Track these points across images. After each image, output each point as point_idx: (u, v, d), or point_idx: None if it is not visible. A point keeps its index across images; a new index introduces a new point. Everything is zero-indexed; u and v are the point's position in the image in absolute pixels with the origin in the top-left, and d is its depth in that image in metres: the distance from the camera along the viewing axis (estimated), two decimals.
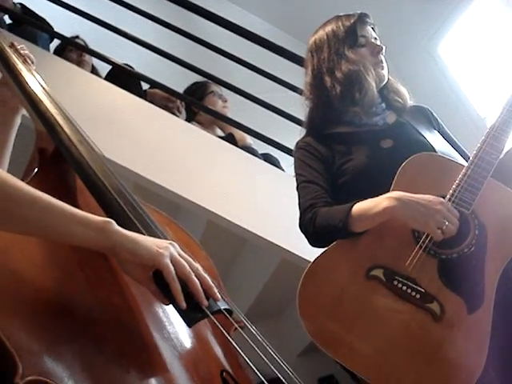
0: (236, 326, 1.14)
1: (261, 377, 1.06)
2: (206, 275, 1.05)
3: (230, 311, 1.12)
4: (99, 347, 0.96)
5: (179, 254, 1.03)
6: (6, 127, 1.42)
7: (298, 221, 1.70)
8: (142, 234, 1.10)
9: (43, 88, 1.39)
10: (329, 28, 1.82)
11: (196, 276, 1.02)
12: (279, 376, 1.07)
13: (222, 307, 1.09)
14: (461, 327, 1.43)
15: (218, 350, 1.19)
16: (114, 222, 0.99)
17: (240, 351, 1.06)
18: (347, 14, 1.82)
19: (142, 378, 0.98)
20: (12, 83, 1.41)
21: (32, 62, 1.50)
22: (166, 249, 1.01)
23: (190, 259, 1.04)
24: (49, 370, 0.86)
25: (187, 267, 1.01)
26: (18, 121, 1.44)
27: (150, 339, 1.05)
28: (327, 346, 1.46)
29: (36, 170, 1.25)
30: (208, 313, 1.05)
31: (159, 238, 1.12)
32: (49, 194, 1.10)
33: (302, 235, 1.70)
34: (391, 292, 1.46)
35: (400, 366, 1.43)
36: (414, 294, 1.45)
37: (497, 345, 1.41)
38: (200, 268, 1.05)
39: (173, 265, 1.00)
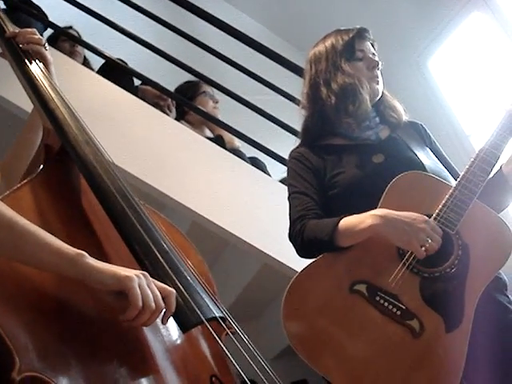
0: (228, 331, 1.16)
1: (247, 380, 1.09)
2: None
3: (223, 318, 1.14)
4: (94, 346, 0.99)
5: (147, 285, 1.03)
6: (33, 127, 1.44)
7: (282, 227, 1.72)
8: (143, 236, 1.12)
9: (52, 85, 1.40)
10: (328, 41, 1.85)
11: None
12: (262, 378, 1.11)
13: (217, 315, 1.12)
14: (438, 345, 1.46)
15: (208, 355, 1.21)
16: (86, 254, 1.00)
17: (230, 357, 1.09)
18: (347, 28, 1.85)
19: (133, 377, 1.01)
20: (21, 78, 1.42)
21: (44, 46, 1.49)
22: (136, 275, 1.01)
23: (157, 293, 1.04)
24: (45, 367, 0.89)
25: (151, 297, 1.01)
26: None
27: (144, 341, 1.07)
28: (308, 357, 1.49)
29: (41, 166, 1.25)
30: (203, 319, 1.07)
31: (158, 241, 1.15)
32: (52, 191, 1.12)
33: (286, 241, 1.72)
34: (373, 307, 1.49)
35: (378, 381, 1.46)
36: (394, 310, 1.48)
37: (473, 363, 1.44)
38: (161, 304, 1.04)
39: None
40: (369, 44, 1.85)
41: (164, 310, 1.04)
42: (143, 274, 1.03)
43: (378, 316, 1.48)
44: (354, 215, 1.56)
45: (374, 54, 1.84)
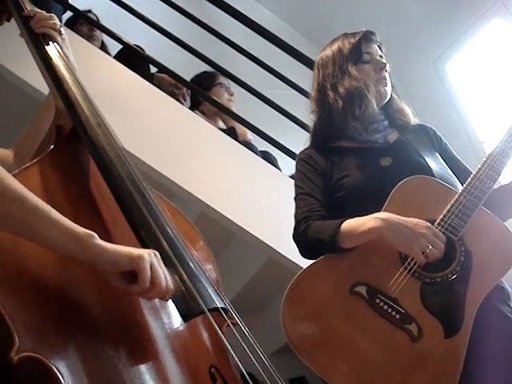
0: (229, 322, 1.17)
1: (245, 374, 1.10)
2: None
3: (225, 309, 1.15)
4: (94, 330, 0.99)
5: (159, 264, 1.04)
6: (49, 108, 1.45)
7: (289, 222, 1.73)
8: (149, 222, 1.13)
9: (68, 67, 1.41)
10: (335, 45, 1.86)
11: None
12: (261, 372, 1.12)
13: (220, 305, 1.13)
14: (436, 350, 1.46)
15: (209, 345, 1.23)
16: (95, 235, 1.00)
17: (230, 348, 1.10)
18: (354, 31, 1.85)
19: (132, 362, 1.01)
20: (37, 57, 1.43)
21: (59, 32, 1.50)
22: (148, 254, 1.03)
23: (167, 272, 1.06)
24: (43, 348, 0.89)
25: (162, 275, 1.03)
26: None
27: (145, 327, 1.08)
28: (306, 356, 1.50)
29: (51, 146, 1.26)
30: (205, 309, 1.08)
31: (164, 228, 1.16)
32: (61, 172, 1.12)
33: (291, 237, 1.72)
34: (372, 309, 1.50)
35: (375, 383, 1.46)
36: (394, 313, 1.48)
37: (473, 372, 1.44)
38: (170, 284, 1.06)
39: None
40: (376, 46, 1.85)
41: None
42: (154, 253, 1.05)
43: (376, 318, 1.48)
44: (357, 218, 1.57)
45: (381, 56, 1.84)
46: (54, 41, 1.47)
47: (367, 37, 1.83)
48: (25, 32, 1.51)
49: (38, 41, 1.46)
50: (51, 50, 1.44)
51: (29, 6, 1.56)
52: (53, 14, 1.50)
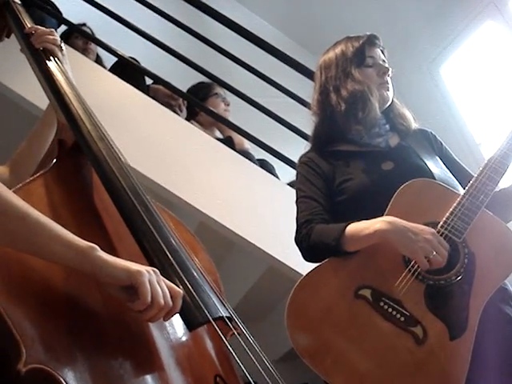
0: (234, 331, 1.17)
1: (252, 381, 1.09)
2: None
3: (230, 318, 1.15)
4: (100, 341, 0.99)
5: (157, 281, 1.03)
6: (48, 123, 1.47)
7: (288, 230, 1.73)
8: (153, 234, 1.13)
9: (68, 81, 1.42)
10: (338, 48, 1.86)
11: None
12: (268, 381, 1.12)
13: (224, 314, 1.13)
14: (442, 352, 1.46)
15: (213, 355, 1.22)
16: (97, 247, 1.00)
17: (236, 357, 1.09)
18: (358, 35, 1.86)
19: (138, 373, 1.01)
20: (38, 72, 1.43)
21: (59, 47, 1.51)
22: (147, 271, 1.02)
23: (166, 290, 1.04)
24: (51, 360, 0.89)
25: (160, 293, 1.02)
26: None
27: (150, 337, 1.08)
28: (312, 361, 1.49)
29: (54, 161, 1.26)
30: (210, 318, 1.08)
31: (168, 239, 1.16)
32: (64, 186, 1.12)
33: (292, 244, 1.72)
34: (377, 313, 1.49)
35: None
36: (398, 316, 1.48)
37: (477, 373, 1.44)
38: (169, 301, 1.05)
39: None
40: (379, 51, 1.86)
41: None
42: (153, 270, 1.04)
43: (381, 322, 1.48)
44: (362, 221, 1.56)
45: (384, 60, 1.85)
46: (55, 56, 1.48)
47: (371, 41, 1.84)
48: (25, 48, 1.51)
49: (38, 56, 1.47)
50: (52, 65, 1.44)
51: (29, 22, 1.57)
52: (53, 29, 1.51)
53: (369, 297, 1.51)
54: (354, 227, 1.56)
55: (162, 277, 1.05)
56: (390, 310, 1.49)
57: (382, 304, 1.49)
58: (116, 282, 1.00)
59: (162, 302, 1.01)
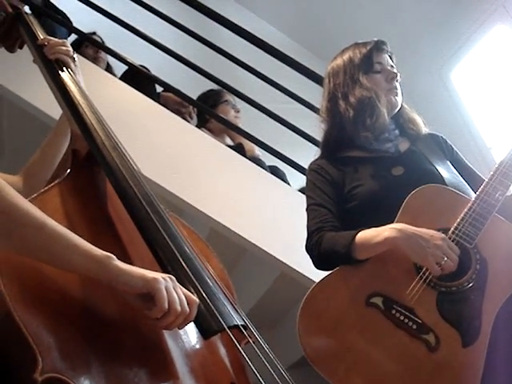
0: (249, 340, 1.17)
1: None
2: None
3: (244, 326, 1.15)
4: (115, 349, 1.00)
5: (174, 288, 1.04)
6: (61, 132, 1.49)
7: (300, 236, 1.73)
8: (167, 242, 1.14)
9: (81, 91, 1.43)
10: (346, 55, 1.86)
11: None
12: None
13: (239, 323, 1.13)
14: (454, 360, 1.45)
15: (227, 362, 1.23)
16: (113, 256, 1.01)
17: (252, 365, 1.09)
18: (365, 41, 1.86)
19: (153, 382, 1.01)
20: (51, 83, 1.45)
21: (72, 58, 1.53)
22: (163, 278, 1.03)
23: (183, 297, 1.05)
24: (67, 369, 0.90)
25: (177, 300, 1.02)
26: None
27: (165, 346, 1.08)
28: (324, 370, 1.49)
29: (68, 170, 1.27)
30: (225, 326, 1.08)
31: (182, 247, 1.16)
32: (78, 195, 1.13)
33: (303, 251, 1.72)
34: (389, 320, 1.49)
35: None
36: (410, 323, 1.48)
37: (490, 381, 1.43)
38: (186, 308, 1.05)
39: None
40: (387, 56, 1.86)
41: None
42: (170, 277, 1.05)
43: (393, 329, 1.48)
44: (372, 228, 1.56)
45: (392, 65, 1.85)
46: (68, 67, 1.49)
47: (378, 47, 1.84)
48: (38, 58, 1.53)
49: (52, 67, 1.48)
50: (65, 75, 1.46)
51: (42, 33, 1.58)
52: (66, 40, 1.53)
53: (380, 305, 1.50)
54: (363, 235, 1.56)
55: (178, 283, 1.06)
56: (402, 317, 1.48)
57: (393, 312, 1.49)
58: (133, 290, 1.01)
59: (178, 308, 1.02)
